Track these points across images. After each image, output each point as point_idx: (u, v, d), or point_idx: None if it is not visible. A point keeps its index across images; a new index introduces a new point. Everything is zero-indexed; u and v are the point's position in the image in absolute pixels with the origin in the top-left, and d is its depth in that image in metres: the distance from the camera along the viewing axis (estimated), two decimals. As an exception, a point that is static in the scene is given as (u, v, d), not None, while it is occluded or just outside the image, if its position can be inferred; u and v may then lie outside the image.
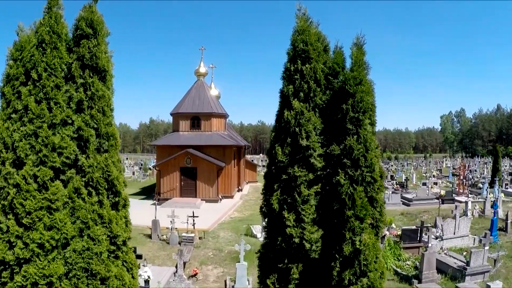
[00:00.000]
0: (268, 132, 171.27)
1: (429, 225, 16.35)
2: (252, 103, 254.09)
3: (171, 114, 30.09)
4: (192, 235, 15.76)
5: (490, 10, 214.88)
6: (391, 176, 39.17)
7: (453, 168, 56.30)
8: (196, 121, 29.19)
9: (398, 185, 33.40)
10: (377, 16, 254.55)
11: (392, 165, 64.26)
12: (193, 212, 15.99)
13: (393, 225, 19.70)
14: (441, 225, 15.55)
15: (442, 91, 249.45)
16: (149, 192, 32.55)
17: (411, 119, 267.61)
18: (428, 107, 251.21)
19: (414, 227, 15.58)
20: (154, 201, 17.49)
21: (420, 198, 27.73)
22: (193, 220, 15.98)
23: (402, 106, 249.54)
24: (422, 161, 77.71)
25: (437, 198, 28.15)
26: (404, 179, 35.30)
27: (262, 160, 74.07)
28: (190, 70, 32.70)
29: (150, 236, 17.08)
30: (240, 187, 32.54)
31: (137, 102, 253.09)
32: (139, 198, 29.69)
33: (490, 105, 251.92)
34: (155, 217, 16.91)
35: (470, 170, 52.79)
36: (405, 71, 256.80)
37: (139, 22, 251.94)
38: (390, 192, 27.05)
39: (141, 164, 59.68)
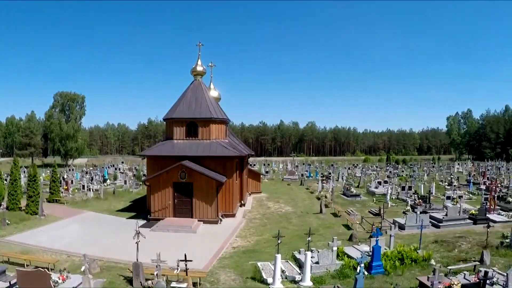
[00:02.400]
0: (270, 134, 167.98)
1: (492, 272, 12.57)
2: (253, 103, 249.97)
3: (164, 120, 26.29)
4: (184, 285, 12.01)
5: (498, 8, 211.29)
6: (409, 187, 35.36)
7: (469, 175, 52.57)
8: (192, 127, 25.39)
9: (420, 199, 29.62)
10: (381, 16, 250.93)
11: (403, 171, 60.57)
12: (185, 255, 12.23)
13: (433, 262, 15.98)
14: (507, 274, 11.77)
15: (446, 91, 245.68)
16: (140, 207, 28.77)
17: (415, 120, 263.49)
18: (432, 107, 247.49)
19: (474, 279, 11.77)
20: (137, 234, 13.67)
21: (451, 219, 23.99)
22: (185, 265, 12.23)
23: (405, 107, 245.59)
24: (433, 166, 73.91)
25: (470, 218, 24.48)
26: (427, 192, 31.45)
27: (264, 165, 70.15)
28: (188, 70, 28.69)
29: (131, 282, 13.32)
30: (242, 202, 28.79)
31: (136, 102, 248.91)
32: (128, 215, 25.87)
33: (498, 106, 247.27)
34: (137, 259, 13.15)
35: (488, 177, 49.06)
36: (408, 71, 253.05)
37: (138, 20, 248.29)
38: (418, 212, 23.23)
39: (136, 169, 55.87)
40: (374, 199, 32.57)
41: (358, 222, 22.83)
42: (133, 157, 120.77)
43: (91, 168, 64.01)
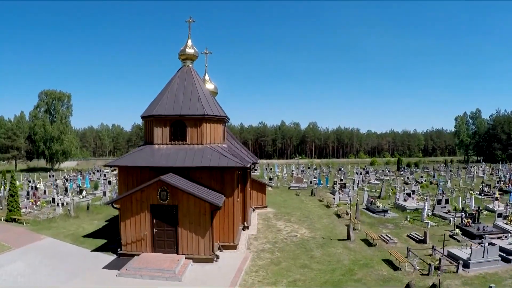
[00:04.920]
0: (270, 135, 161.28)
1: None
2: (253, 103, 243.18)
3: (142, 118, 19.95)
4: None
5: (504, 6, 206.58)
6: (446, 201, 29.14)
7: (500, 182, 46.44)
8: (179, 128, 19.07)
9: (468, 219, 23.46)
10: (384, 15, 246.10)
11: (421, 177, 54.18)
12: None
13: None
14: None
15: (450, 91, 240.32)
16: (115, 230, 22.43)
17: (419, 120, 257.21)
18: (437, 107, 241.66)
19: None
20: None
21: (525, 249, 17.87)
22: None
23: (409, 107, 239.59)
24: (450, 170, 67.62)
25: (547, 247, 18.37)
26: (476, 209, 25.20)
27: (266, 169, 63.58)
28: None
29: None
30: (246, 223, 22.56)
31: (133, 101, 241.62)
32: (95, 245, 19.35)
33: (508, 106, 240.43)
34: None
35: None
36: (411, 72, 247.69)
37: (136, 19, 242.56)
38: (487, 244, 17.04)
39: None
40: (408, 216, 26.33)
41: (406, 259, 16.60)
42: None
43: (73, 174, 57.43)
